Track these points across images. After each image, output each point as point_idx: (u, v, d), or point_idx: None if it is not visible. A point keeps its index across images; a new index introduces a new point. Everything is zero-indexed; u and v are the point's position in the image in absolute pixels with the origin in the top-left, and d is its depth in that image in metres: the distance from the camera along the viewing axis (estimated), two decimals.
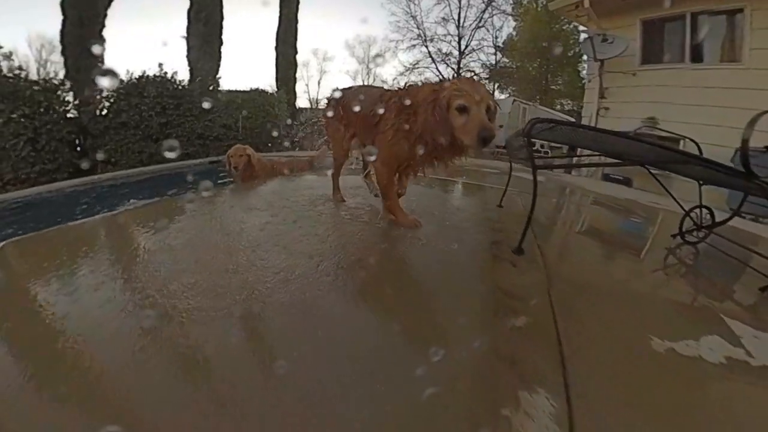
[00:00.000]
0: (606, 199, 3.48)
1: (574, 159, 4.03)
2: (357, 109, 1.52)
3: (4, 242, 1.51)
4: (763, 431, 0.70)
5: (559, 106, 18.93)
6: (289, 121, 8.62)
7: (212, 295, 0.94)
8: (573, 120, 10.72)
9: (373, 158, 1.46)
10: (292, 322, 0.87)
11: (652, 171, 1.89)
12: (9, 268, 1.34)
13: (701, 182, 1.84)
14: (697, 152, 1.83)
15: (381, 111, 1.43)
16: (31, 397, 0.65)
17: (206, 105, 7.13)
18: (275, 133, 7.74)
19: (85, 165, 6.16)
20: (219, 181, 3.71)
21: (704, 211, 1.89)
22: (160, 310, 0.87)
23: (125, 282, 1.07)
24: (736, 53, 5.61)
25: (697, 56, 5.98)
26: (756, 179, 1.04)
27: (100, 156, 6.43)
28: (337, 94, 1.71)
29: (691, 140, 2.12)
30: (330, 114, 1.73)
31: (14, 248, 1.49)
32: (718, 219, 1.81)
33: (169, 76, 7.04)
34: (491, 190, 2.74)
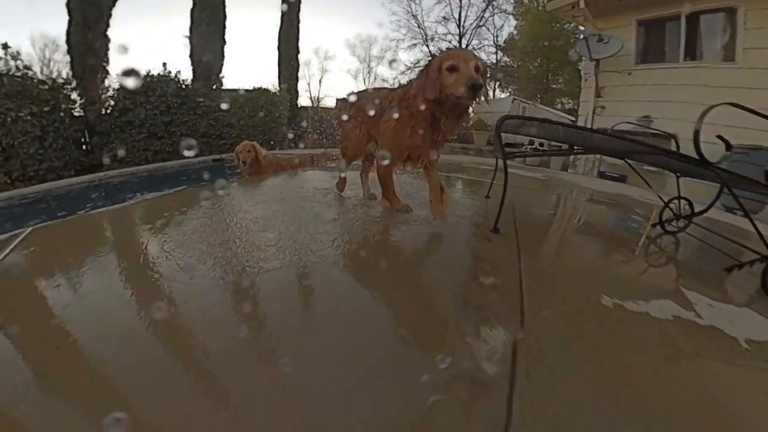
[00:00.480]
0: (596, 193, 3.59)
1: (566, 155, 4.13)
2: (369, 109, 1.67)
3: (31, 227, 1.64)
4: (697, 372, 0.83)
5: (559, 105, 19.01)
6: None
7: (214, 281, 1.03)
8: (573, 119, 10.83)
9: (386, 162, 1.57)
10: (289, 287, 1.00)
11: (632, 165, 2.02)
12: (36, 253, 1.47)
13: (678, 174, 1.96)
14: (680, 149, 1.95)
15: (385, 106, 1.58)
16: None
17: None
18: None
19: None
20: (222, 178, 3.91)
21: (684, 202, 2.01)
22: (168, 295, 0.95)
23: (140, 263, 1.17)
24: (731, 53, 5.70)
25: (691, 56, 6.08)
26: (710, 166, 1.16)
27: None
28: (353, 98, 1.85)
29: (672, 136, 2.24)
30: (345, 117, 1.88)
31: (40, 234, 1.62)
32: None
33: (172, 75, 7.19)
34: (484, 184, 2.86)
